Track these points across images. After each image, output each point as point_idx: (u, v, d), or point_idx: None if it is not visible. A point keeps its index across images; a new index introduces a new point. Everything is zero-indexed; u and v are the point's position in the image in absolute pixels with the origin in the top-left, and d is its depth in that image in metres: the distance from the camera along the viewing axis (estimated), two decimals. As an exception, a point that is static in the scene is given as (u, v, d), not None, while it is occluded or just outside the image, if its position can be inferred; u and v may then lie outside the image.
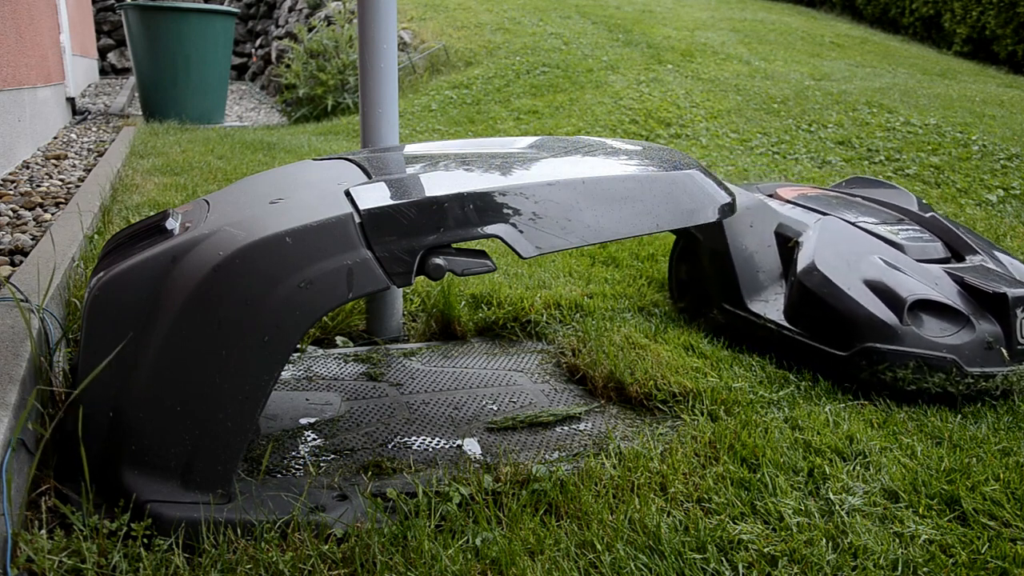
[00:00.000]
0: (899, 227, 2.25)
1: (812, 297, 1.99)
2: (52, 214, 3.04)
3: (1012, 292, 1.90)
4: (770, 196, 2.54)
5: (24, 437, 1.35)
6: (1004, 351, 1.88)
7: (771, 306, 2.15)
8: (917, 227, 2.27)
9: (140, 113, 7.12)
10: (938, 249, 2.17)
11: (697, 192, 1.60)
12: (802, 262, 2.07)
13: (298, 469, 1.58)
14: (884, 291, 1.93)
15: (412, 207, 1.38)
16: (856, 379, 1.94)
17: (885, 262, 2.02)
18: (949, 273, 2.03)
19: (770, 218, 2.32)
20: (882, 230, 2.21)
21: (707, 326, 2.32)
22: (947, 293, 1.96)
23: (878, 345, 1.88)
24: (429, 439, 1.73)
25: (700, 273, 2.41)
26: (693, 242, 2.41)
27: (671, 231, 2.41)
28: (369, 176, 1.56)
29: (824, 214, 2.30)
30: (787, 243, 2.25)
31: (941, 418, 1.81)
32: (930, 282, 1.98)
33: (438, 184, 1.48)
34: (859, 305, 1.91)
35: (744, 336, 2.20)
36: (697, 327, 2.33)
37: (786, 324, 2.07)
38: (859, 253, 2.06)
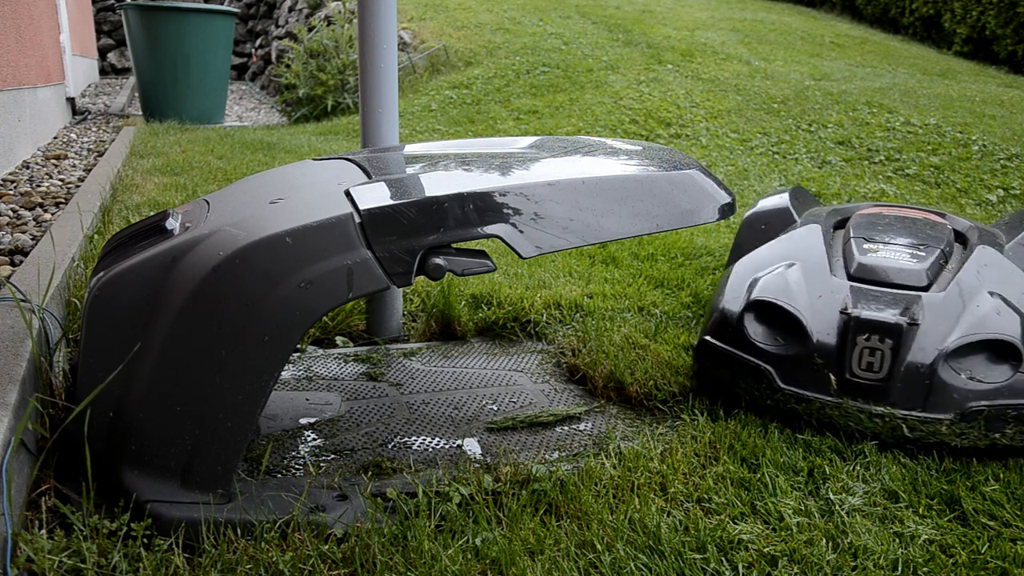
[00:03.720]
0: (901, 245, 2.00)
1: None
2: (52, 214, 3.04)
3: (857, 313, 1.70)
4: (841, 222, 2.24)
5: (24, 437, 1.35)
6: (833, 378, 1.69)
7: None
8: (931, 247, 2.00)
9: (140, 113, 7.11)
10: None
11: (697, 192, 1.59)
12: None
13: (298, 469, 1.58)
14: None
15: (412, 207, 1.38)
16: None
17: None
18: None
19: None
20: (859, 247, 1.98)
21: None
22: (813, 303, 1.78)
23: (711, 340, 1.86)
24: (429, 439, 1.73)
25: None
26: None
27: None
28: (369, 176, 1.56)
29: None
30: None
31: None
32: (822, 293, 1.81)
33: (438, 184, 1.48)
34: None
35: None
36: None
37: None
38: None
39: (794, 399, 1.73)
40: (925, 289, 1.80)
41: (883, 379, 1.65)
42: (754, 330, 1.81)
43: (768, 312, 1.82)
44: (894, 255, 1.90)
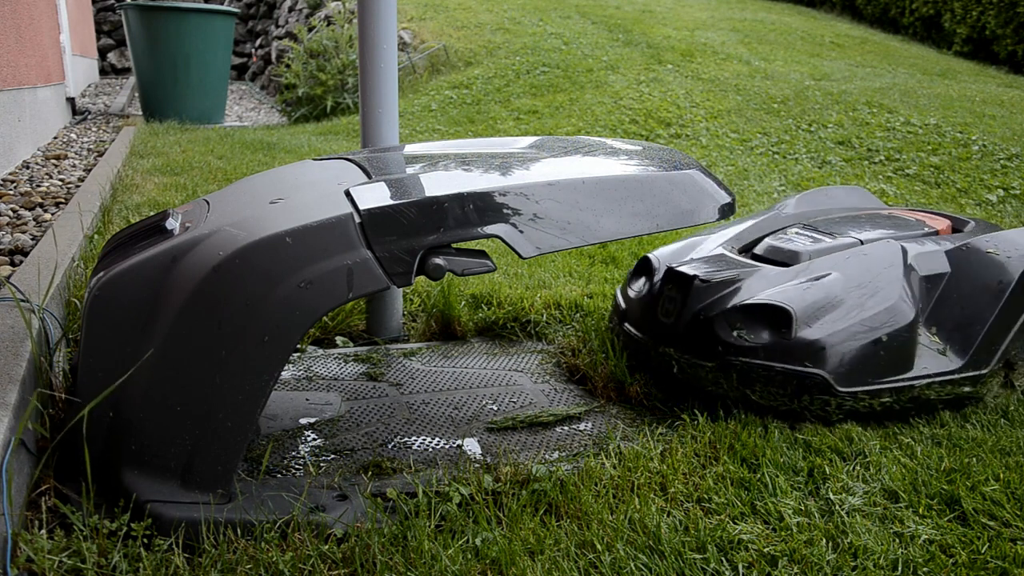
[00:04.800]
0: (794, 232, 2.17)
1: None
2: (52, 214, 3.04)
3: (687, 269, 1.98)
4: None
5: (24, 437, 1.35)
6: (649, 320, 1.97)
7: None
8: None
9: (140, 113, 7.11)
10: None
11: (697, 192, 1.60)
12: None
13: (298, 469, 1.58)
14: None
15: (412, 207, 1.38)
16: None
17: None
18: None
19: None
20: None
21: None
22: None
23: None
24: (429, 439, 1.73)
25: None
26: None
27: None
28: (369, 176, 1.56)
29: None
30: None
31: (940, 422, 1.81)
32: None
33: (438, 184, 1.48)
34: None
35: None
36: None
37: None
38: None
39: (628, 336, 2.02)
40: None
41: (673, 323, 1.89)
42: (634, 282, 2.09)
43: (651, 269, 2.08)
44: (798, 240, 2.04)
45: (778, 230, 2.18)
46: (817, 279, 1.84)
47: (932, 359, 1.83)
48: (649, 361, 1.95)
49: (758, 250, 2.06)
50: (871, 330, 1.75)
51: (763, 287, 1.86)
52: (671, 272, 1.95)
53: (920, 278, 1.92)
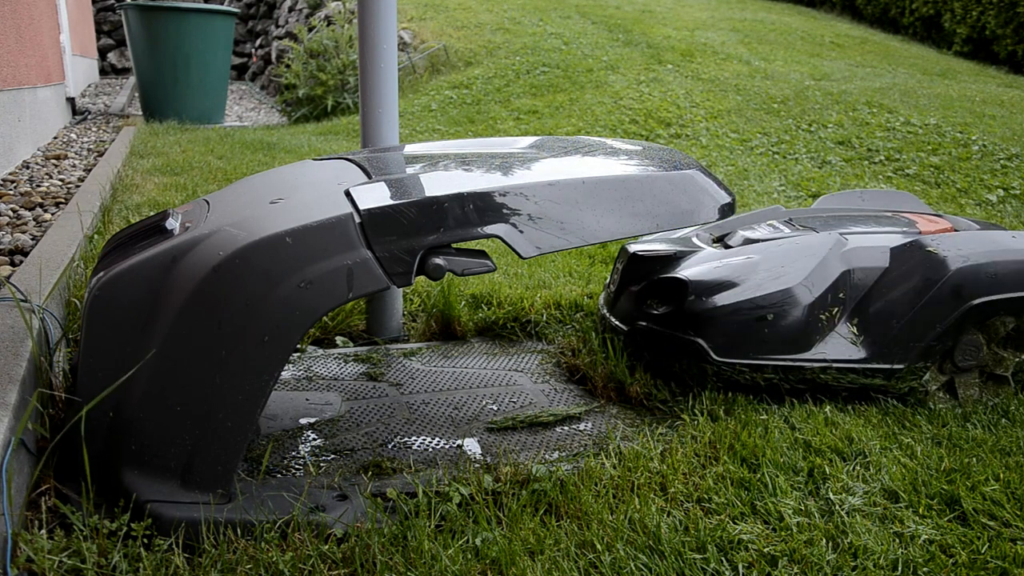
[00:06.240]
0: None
1: None
2: (52, 214, 3.04)
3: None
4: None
5: (24, 437, 1.35)
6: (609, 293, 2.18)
7: None
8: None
9: (140, 113, 7.11)
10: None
11: (697, 192, 1.60)
12: None
13: (298, 469, 1.58)
14: None
15: (412, 207, 1.38)
16: None
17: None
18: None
19: None
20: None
21: None
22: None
23: None
24: (429, 439, 1.73)
25: None
26: None
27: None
28: (369, 176, 1.56)
29: None
30: None
31: (941, 421, 1.81)
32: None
33: (438, 184, 1.48)
34: None
35: None
36: None
37: None
38: None
39: (599, 309, 2.23)
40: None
41: (614, 293, 2.11)
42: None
43: None
44: (760, 230, 2.13)
45: (757, 222, 2.26)
46: (733, 260, 1.93)
47: (838, 346, 1.86)
48: (598, 327, 2.18)
49: (728, 238, 2.15)
50: (758, 308, 1.82)
51: (691, 265, 1.97)
52: (621, 248, 2.16)
53: (847, 270, 1.93)
